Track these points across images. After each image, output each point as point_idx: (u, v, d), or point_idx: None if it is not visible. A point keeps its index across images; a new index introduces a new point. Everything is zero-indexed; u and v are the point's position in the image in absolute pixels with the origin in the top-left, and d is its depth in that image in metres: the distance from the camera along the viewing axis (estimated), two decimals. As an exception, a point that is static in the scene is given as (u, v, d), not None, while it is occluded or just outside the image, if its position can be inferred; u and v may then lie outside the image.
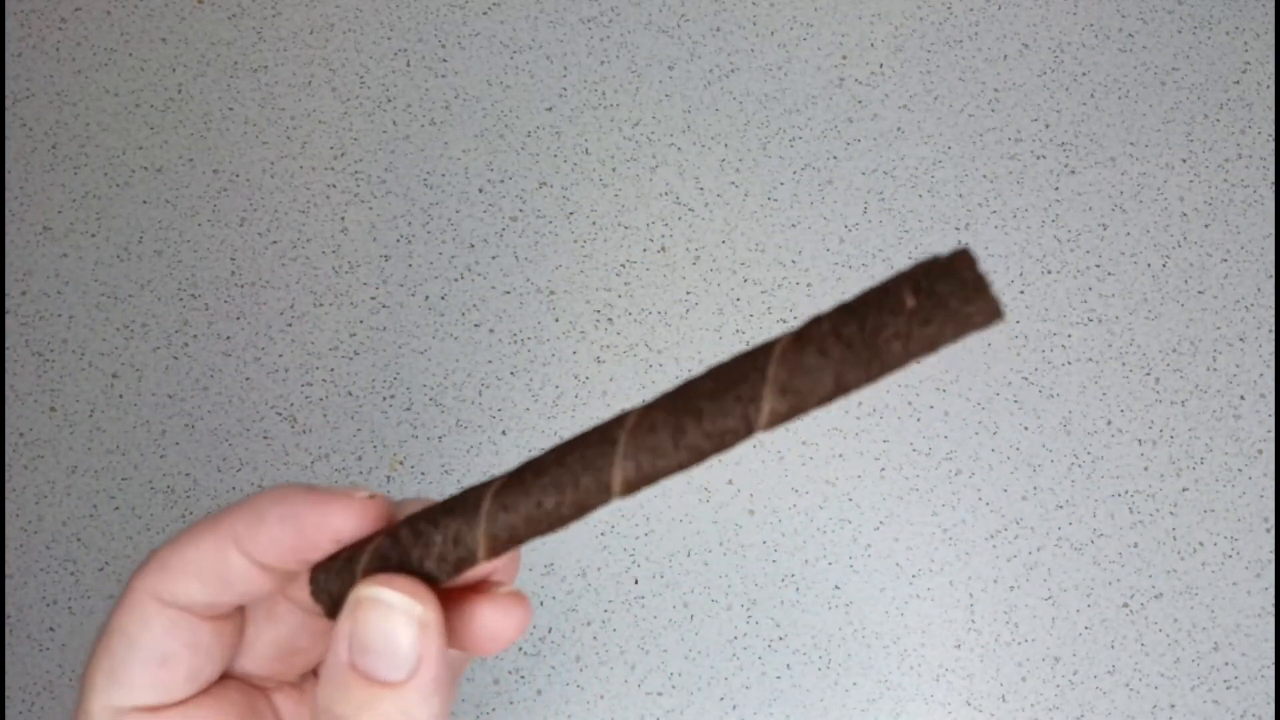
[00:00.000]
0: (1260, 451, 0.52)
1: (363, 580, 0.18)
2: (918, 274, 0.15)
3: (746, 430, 0.16)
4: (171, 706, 0.19)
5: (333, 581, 0.19)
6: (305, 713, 0.22)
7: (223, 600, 0.20)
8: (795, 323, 0.54)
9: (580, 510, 0.17)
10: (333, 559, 0.20)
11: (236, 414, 0.52)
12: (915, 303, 0.15)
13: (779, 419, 0.16)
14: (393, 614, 0.17)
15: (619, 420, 0.17)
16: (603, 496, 0.17)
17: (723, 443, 0.16)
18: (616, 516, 0.51)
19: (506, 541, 0.17)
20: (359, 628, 0.17)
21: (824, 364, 0.15)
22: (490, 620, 0.20)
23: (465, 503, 0.18)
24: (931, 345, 0.15)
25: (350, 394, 0.52)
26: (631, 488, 0.16)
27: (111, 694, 0.19)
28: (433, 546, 0.18)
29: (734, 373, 0.16)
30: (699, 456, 0.16)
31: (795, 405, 0.16)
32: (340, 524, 0.19)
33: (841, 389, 0.15)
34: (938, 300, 0.14)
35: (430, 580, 0.18)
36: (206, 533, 0.19)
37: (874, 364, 0.15)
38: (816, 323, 0.16)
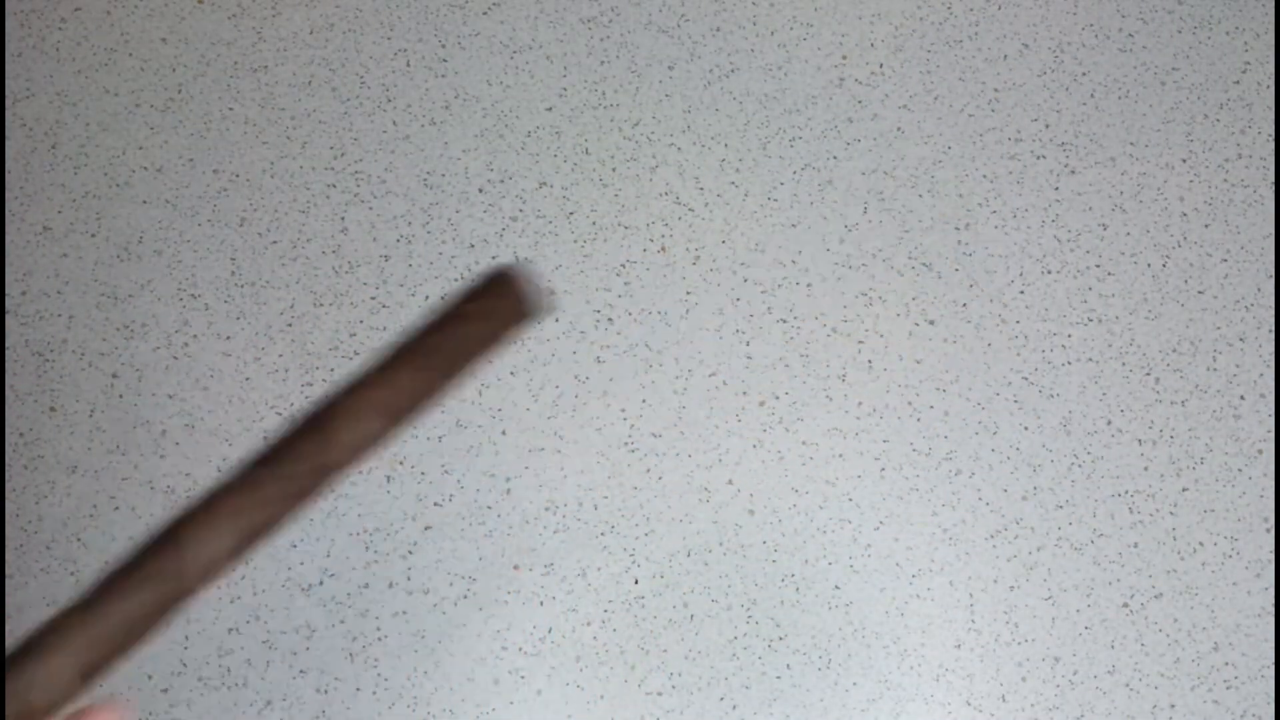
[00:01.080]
0: (1260, 451, 0.52)
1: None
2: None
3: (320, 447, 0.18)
4: None
5: None
6: None
7: None
8: (795, 322, 0.54)
9: (159, 606, 0.17)
10: None
11: (236, 414, 0.52)
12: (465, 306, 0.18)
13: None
14: None
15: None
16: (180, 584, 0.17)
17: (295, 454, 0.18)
18: (616, 516, 0.51)
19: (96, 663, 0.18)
20: None
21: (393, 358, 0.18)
22: None
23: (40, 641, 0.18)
24: (460, 315, 0.18)
25: (350, 394, 0.52)
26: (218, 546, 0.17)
27: None
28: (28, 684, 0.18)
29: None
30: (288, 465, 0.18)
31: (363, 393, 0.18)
32: None
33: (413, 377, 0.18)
34: (474, 293, 0.18)
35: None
36: None
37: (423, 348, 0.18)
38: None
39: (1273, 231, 0.55)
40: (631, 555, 0.50)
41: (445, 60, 0.57)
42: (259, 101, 0.56)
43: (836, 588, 0.50)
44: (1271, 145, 0.56)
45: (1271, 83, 0.57)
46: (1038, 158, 0.56)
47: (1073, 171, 0.56)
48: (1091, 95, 0.57)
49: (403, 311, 0.53)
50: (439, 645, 0.49)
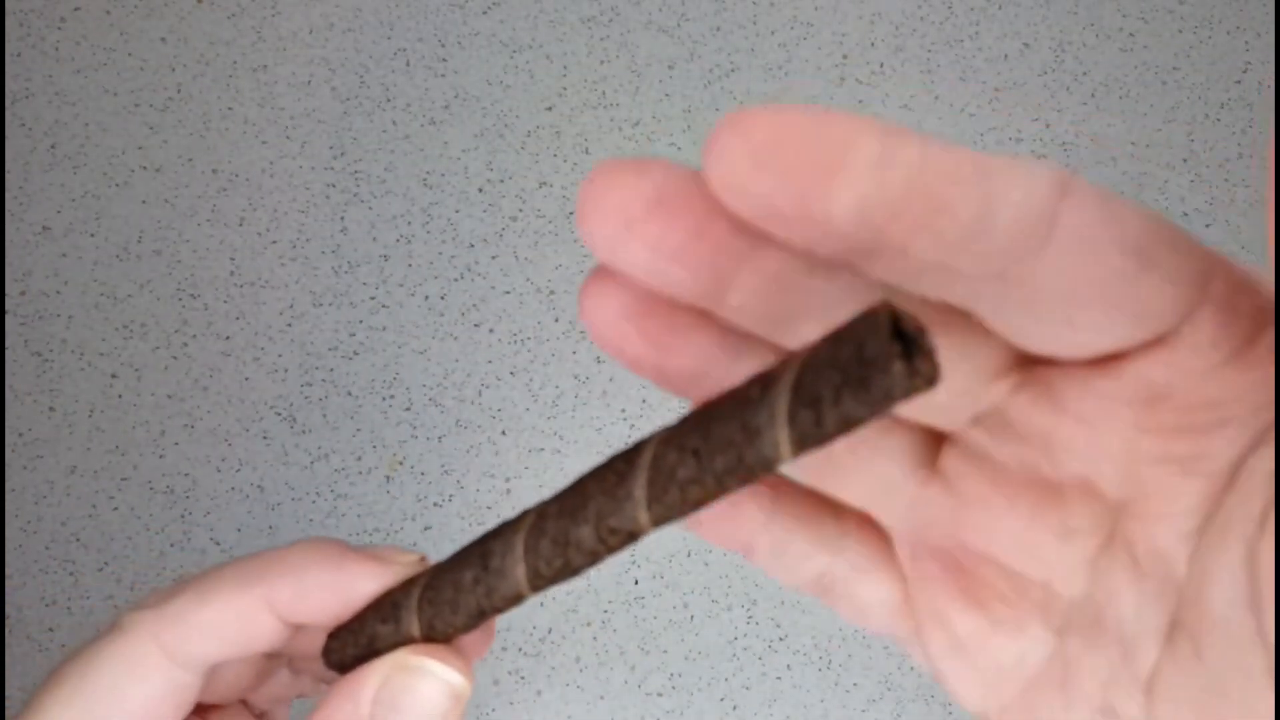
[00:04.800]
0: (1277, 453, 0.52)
1: (409, 648, 0.18)
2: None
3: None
4: None
5: (349, 640, 0.19)
6: None
7: (236, 657, 0.19)
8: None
9: (608, 541, 0.17)
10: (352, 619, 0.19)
11: (236, 414, 0.52)
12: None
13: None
14: (432, 682, 0.18)
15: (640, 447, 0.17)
16: (633, 517, 0.16)
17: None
18: (616, 517, 0.51)
19: (551, 575, 0.17)
20: (394, 691, 0.17)
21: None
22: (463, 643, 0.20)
23: (500, 539, 0.18)
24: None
25: (350, 394, 0.52)
26: (660, 517, 0.16)
27: None
28: (470, 581, 0.18)
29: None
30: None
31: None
32: (391, 586, 0.19)
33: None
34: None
35: (473, 619, 0.18)
36: (236, 594, 0.19)
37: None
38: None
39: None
40: (631, 555, 0.50)
41: (445, 60, 0.57)
42: (258, 101, 0.56)
43: (837, 588, 0.50)
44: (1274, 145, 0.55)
45: (1272, 82, 0.56)
46: (1039, 157, 0.56)
47: (1074, 172, 0.56)
48: (1093, 95, 0.57)
49: (402, 311, 0.53)
50: (439, 646, 0.49)
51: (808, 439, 0.13)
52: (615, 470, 0.16)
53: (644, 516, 0.15)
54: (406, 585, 0.19)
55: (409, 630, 0.18)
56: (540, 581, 0.17)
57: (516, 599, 0.17)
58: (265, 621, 0.19)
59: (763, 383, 0.13)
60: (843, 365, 0.12)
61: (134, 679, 0.18)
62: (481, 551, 0.18)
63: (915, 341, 0.12)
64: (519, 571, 0.17)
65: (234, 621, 0.18)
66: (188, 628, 0.18)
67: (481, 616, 0.18)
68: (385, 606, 0.19)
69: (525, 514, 0.17)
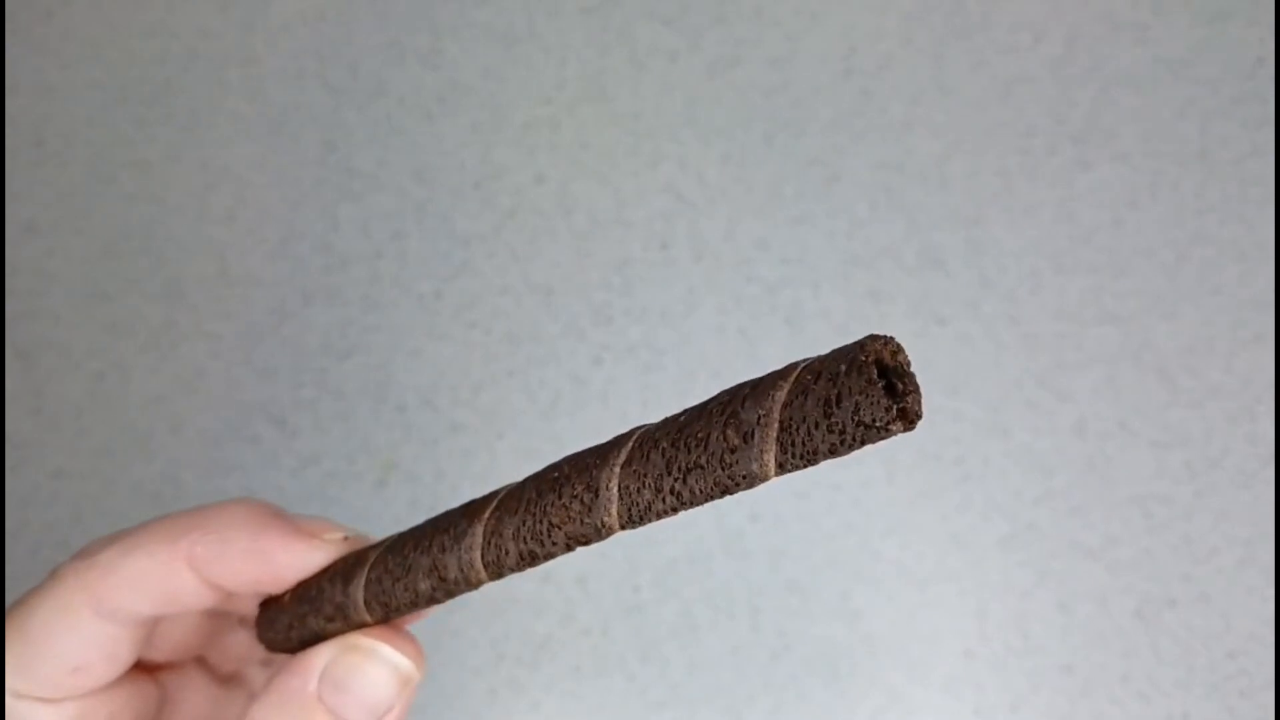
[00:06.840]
0: (1277, 454, 0.51)
1: (361, 630, 0.18)
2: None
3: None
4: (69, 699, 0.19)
5: (282, 617, 0.19)
6: (189, 685, 0.22)
7: (162, 613, 0.19)
8: (801, 322, 0.52)
9: (575, 535, 0.17)
10: (281, 595, 0.19)
11: (225, 416, 0.51)
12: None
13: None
14: (381, 665, 0.18)
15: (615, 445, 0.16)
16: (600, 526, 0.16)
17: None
18: (616, 522, 0.50)
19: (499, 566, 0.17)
20: (343, 670, 0.18)
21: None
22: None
23: (447, 528, 0.18)
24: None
25: (341, 396, 0.51)
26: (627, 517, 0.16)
27: (14, 680, 0.18)
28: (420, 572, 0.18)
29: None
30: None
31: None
32: (314, 565, 0.19)
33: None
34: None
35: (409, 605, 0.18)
36: (160, 546, 0.18)
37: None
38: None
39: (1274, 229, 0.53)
40: (631, 562, 0.49)
41: (439, 52, 0.56)
42: (248, 95, 0.55)
43: (843, 596, 0.49)
44: (1289, 140, 0.54)
45: (1289, 76, 0.55)
46: (1050, 152, 0.55)
47: (1086, 167, 0.55)
48: (1105, 89, 0.56)
49: (395, 311, 0.52)
50: (432, 655, 0.48)
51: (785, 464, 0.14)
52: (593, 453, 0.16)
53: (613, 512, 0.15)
54: (359, 555, 0.19)
55: (355, 596, 0.18)
56: (492, 543, 0.17)
57: (461, 564, 0.17)
58: (186, 579, 0.18)
59: (744, 427, 0.14)
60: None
61: (64, 627, 0.18)
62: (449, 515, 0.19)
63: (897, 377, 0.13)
64: (477, 530, 0.18)
65: (154, 576, 0.18)
66: (112, 579, 0.18)
67: (432, 573, 0.17)
68: (337, 570, 0.19)
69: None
